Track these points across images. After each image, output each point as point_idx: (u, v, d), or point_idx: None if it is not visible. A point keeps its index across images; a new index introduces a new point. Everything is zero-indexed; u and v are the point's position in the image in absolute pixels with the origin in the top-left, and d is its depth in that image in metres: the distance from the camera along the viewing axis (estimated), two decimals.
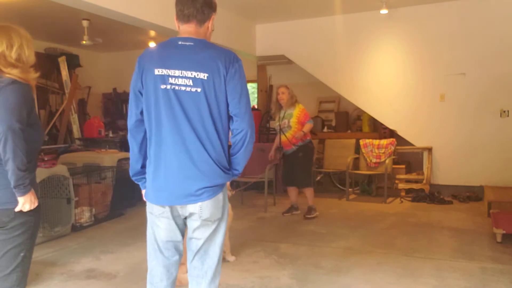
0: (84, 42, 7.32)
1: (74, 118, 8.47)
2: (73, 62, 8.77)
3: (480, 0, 6.51)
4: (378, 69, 7.18)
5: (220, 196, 2.00)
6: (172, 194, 1.95)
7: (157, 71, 1.93)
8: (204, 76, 1.91)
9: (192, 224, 2.01)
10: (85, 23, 6.98)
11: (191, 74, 1.92)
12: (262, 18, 7.52)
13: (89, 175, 5.34)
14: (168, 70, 1.93)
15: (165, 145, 1.94)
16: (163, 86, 1.93)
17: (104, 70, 10.00)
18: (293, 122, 5.36)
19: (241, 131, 1.98)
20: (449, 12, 6.66)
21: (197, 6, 1.99)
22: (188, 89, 1.92)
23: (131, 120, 2.03)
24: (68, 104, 8.18)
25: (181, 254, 2.11)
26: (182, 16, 2.01)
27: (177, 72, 1.92)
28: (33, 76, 2.16)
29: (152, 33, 7.32)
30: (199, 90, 1.91)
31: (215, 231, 2.03)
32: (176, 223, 2.02)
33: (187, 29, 2.02)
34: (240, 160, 2.03)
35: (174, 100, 1.92)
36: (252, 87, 9.96)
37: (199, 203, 1.95)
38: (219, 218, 2.03)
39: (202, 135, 1.93)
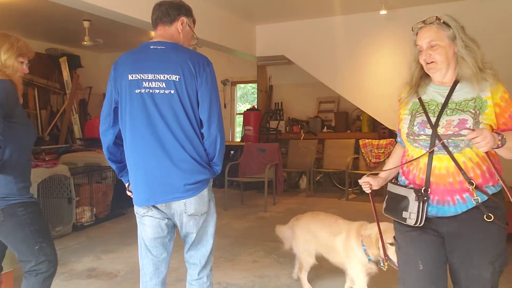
0: (85, 42, 7.33)
1: (75, 118, 8.50)
2: (74, 63, 8.79)
3: (480, 1, 6.53)
4: (377, 70, 7.20)
5: (204, 192, 2.04)
6: (155, 193, 1.99)
7: (131, 77, 1.98)
8: (176, 78, 1.94)
9: (180, 219, 2.05)
10: (86, 24, 6.99)
11: (164, 76, 1.95)
12: (262, 19, 7.54)
13: (90, 175, 5.37)
14: (141, 75, 1.97)
15: (143, 148, 1.98)
16: (137, 91, 1.97)
17: (105, 71, 9.84)
18: (487, 125, 1.80)
19: (209, 137, 2.02)
20: (448, 13, 6.66)
21: (162, 9, 2.09)
22: (162, 91, 1.95)
23: (103, 127, 2.08)
24: (69, 105, 8.21)
25: (170, 251, 2.16)
26: (153, 22, 2.13)
27: (150, 76, 1.96)
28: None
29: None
30: (172, 91, 1.95)
31: (205, 222, 2.09)
32: (161, 220, 2.06)
33: (158, 33, 2.12)
34: (218, 161, 2.08)
35: (150, 103, 1.96)
36: (252, 87, 9.99)
37: (183, 200, 1.99)
38: (206, 212, 2.08)
39: (180, 135, 1.96)
